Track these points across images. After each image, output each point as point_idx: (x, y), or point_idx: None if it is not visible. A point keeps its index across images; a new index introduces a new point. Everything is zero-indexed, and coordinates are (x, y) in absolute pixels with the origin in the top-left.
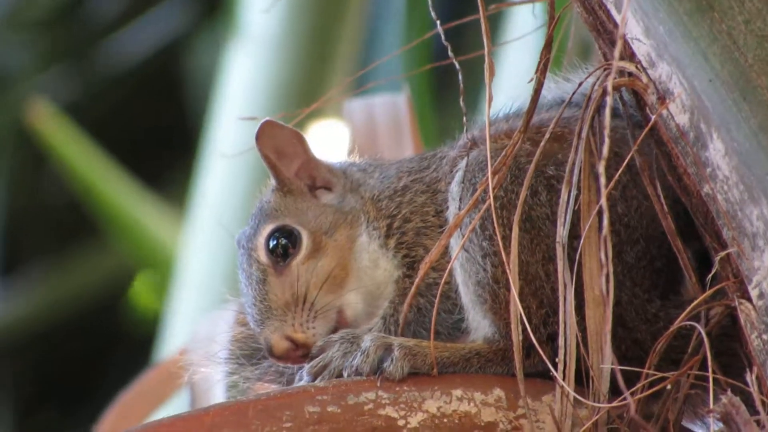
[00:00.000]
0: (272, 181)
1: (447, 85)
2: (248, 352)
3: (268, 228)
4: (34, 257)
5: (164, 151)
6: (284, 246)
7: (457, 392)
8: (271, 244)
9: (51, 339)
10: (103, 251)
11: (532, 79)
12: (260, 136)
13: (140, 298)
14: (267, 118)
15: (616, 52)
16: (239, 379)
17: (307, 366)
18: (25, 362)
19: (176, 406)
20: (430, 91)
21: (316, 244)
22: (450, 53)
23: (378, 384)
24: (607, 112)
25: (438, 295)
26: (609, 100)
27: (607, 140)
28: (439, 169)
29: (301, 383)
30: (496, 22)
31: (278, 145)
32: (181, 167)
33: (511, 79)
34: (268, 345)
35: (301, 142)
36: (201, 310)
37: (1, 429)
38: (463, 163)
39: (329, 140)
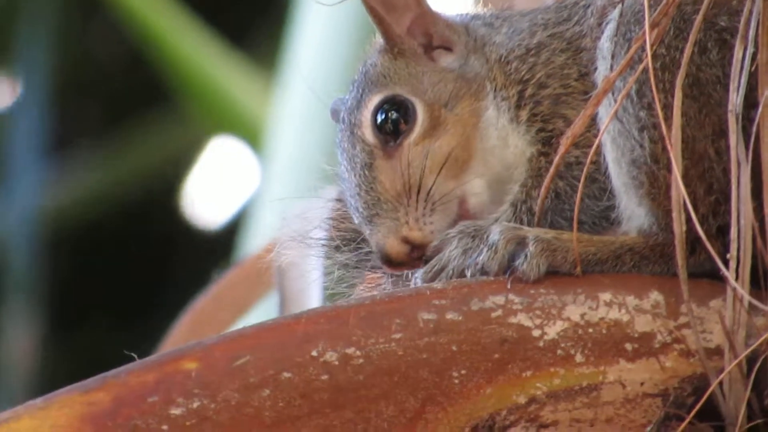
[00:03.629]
0: (379, 40)
1: None
2: (345, 234)
3: (375, 99)
4: (87, 130)
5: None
6: (395, 121)
7: (606, 296)
8: (379, 119)
9: (106, 232)
10: (173, 123)
11: None
12: None
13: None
14: None
15: None
16: (333, 265)
17: (420, 271)
18: (73, 261)
19: (263, 312)
20: None
21: (433, 120)
22: None
23: (508, 286)
24: None
25: (582, 178)
26: None
27: None
28: (583, 22)
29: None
30: None
31: None
32: (271, 21)
33: None
34: (382, 251)
35: None
36: (293, 194)
37: (39, 343)
38: (615, 13)
39: None
